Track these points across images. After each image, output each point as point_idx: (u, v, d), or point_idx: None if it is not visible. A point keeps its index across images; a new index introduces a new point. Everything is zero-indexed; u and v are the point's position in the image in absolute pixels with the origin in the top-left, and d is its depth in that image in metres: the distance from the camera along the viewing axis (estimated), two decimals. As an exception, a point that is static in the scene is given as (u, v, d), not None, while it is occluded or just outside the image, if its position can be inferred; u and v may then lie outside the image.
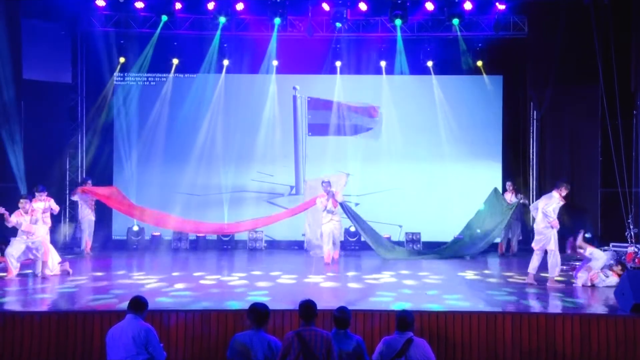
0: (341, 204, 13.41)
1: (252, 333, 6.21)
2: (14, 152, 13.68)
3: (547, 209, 10.66)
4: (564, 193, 10.81)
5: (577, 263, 11.54)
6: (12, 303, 9.03)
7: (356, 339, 6.48)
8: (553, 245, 10.67)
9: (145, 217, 14.39)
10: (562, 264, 12.26)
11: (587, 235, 12.47)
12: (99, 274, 11.62)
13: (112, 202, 14.22)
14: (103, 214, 15.46)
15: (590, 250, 10.85)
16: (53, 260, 11.39)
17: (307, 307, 6.34)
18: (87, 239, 14.42)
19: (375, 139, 16.75)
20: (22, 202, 11.18)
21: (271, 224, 14.74)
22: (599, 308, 8.85)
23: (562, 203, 10.88)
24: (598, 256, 10.74)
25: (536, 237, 10.90)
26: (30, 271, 11.42)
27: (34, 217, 11.23)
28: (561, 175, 15.24)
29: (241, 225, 14.72)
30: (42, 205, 11.83)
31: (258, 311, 6.30)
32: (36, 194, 11.94)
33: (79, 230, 14.82)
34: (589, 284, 10.50)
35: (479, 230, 14.37)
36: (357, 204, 16.40)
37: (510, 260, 14.29)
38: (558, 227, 10.72)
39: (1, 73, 13.47)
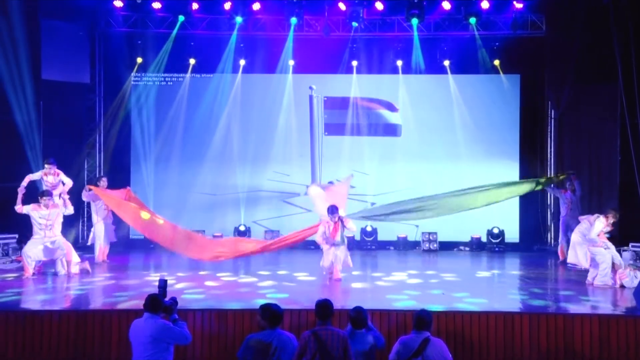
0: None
1: (270, 332, 6.24)
2: (33, 151, 13.87)
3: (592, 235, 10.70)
4: (610, 220, 10.80)
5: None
6: (32, 302, 9.17)
7: (372, 335, 6.54)
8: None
9: (159, 237, 12.40)
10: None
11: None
12: (117, 273, 11.74)
13: (123, 212, 12.75)
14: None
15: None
16: (72, 259, 11.47)
17: (324, 307, 6.37)
18: (101, 246, 13.23)
19: (392, 137, 16.79)
20: (45, 199, 11.24)
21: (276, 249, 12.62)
22: (618, 309, 8.84)
23: (608, 229, 10.88)
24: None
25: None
26: (52, 270, 11.51)
27: (54, 213, 11.32)
28: (580, 174, 15.17)
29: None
30: (52, 179, 11.99)
31: (273, 311, 6.32)
32: (45, 166, 12.06)
33: (94, 236, 13.40)
34: (617, 285, 10.40)
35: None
36: (373, 204, 16.44)
37: (529, 260, 14.25)
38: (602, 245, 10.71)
39: (21, 73, 13.65)
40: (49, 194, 11.45)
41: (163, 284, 6.71)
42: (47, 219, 11.18)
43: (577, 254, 10.94)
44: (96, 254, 13.20)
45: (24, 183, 11.71)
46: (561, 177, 13.59)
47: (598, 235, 10.64)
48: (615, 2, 14.06)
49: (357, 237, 15.96)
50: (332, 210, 11.00)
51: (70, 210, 11.89)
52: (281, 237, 12.06)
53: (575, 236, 11.09)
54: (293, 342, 6.26)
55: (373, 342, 6.49)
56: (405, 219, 12.96)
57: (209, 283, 10.52)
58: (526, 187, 12.85)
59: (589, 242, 10.68)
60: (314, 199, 12.46)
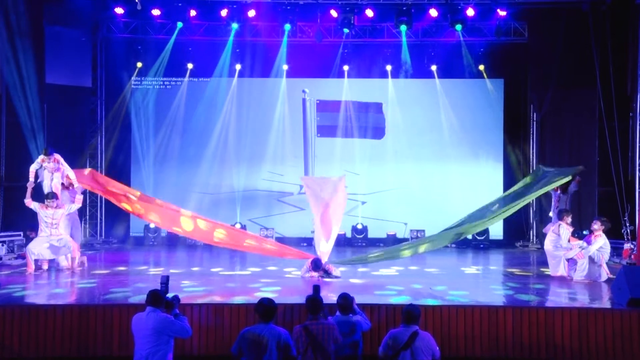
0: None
1: (263, 326, 6.36)
2: (37, 152, 13.76)
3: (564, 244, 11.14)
4: (568, 221, 11.24)
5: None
6: (35, 296, 9.26)
7: (353, 321, 6.82)
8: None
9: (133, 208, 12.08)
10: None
11: (584, 232, 12.87)
12: (118, 268, 12.02)
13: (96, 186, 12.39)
14: (120, 210, 15.87)
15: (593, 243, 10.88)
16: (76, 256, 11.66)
17: (314, 302, 6.61)
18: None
19: (380, 139, 17.33)
20: (49, 202, 11.35)
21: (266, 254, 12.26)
22: (596, 302, 9.11)
23: (571, 229, 11.30)
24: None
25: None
26: (54, 265, 11.65)
27: (58, 213, 11.41)
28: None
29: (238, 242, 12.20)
30: (52, 165, 11.77)
31: (265, 306, 6.44)
32: (43, 157, 11.74)
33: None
34: (601, 279, 10.72)
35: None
36: (363, 202, 16.99)
37: (512, 256, 14.69)
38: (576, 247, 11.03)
39: (26, 77, 13.96)
40: (53, 196, 11.48)
41: (165, 280, 6.95)
42: (52, 217, 11.34)
43: (554, 267, 11.27)
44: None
45: (31, 178, 11.68)
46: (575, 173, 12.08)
47: (569, 240, 11.08)
48: (593, 10, 14.64)
49: (349, 235, 16.53)
50: (316, 265, 10.84)
51: (78, 204, 11.94)
52: (279, 244, 12.12)
53: (547, 248, 11.40)
54: (283, 335, 6.34)
55: (357, 326, 6.77)
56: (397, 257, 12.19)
57: (205, 279, 10.71)
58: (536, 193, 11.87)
59: (565, 250, 11.05)
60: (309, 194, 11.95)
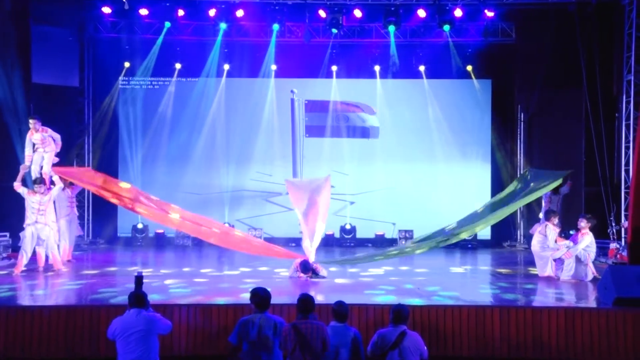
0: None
1: (259, 315, 6.48)
2: (23, 153, 13.78)
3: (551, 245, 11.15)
4: (555, 221, 11.28)
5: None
6: (22, 298, 9.24)
7: (353, 331, 6.70)
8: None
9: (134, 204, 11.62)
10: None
11: (571, 232, 12.93)
12: (105, 269, 11.96)
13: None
14: (108, 210, 15.94)
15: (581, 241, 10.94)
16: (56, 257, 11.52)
17: (305, 301, 6.54)
18: (65, 245, 12.41)
19: (369, 139, 17.38)
20: (37, 187, 11.22)
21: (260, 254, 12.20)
22: (582, 302, 9.17)
23: (558, 230, 11.34)
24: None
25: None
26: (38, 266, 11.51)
27: (45, 199, 11.27)
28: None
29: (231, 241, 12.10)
30: (39, 137, 11.55)
31: (261, 296, 6.56)
32: (30, 121, 11.62)
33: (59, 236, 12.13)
34: (588, 278, 10.79)
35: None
36: (352, 203, 17.01)
37: (500, 256, 14.75)
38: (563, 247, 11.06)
39: (11, 76, 13.86)
40: (41, 181, 11.34)
41: (139, 279, 6.96)
42: (39, 204, 11.21)
43: (542, 267, 11.29)
44: (60, 252, 12.12)
45: (27, 161, 11.54)
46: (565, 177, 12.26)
47: (556, 241, 11.10)
48: (580, 11, 14.74)
49: (337, 235, 16.57)
50: (305, 267, 10.83)
51: (59, 184, 11.68)
52: (266, 243, 12.13)
53: (535, 248, 11.40)
54: (278, 324, 6.46)
55: (354, 336, 6.65)
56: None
57: (192, 279, 10.68)
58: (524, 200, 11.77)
59: (552, 250, 11.07)
60: (293, 196, 12.03)
